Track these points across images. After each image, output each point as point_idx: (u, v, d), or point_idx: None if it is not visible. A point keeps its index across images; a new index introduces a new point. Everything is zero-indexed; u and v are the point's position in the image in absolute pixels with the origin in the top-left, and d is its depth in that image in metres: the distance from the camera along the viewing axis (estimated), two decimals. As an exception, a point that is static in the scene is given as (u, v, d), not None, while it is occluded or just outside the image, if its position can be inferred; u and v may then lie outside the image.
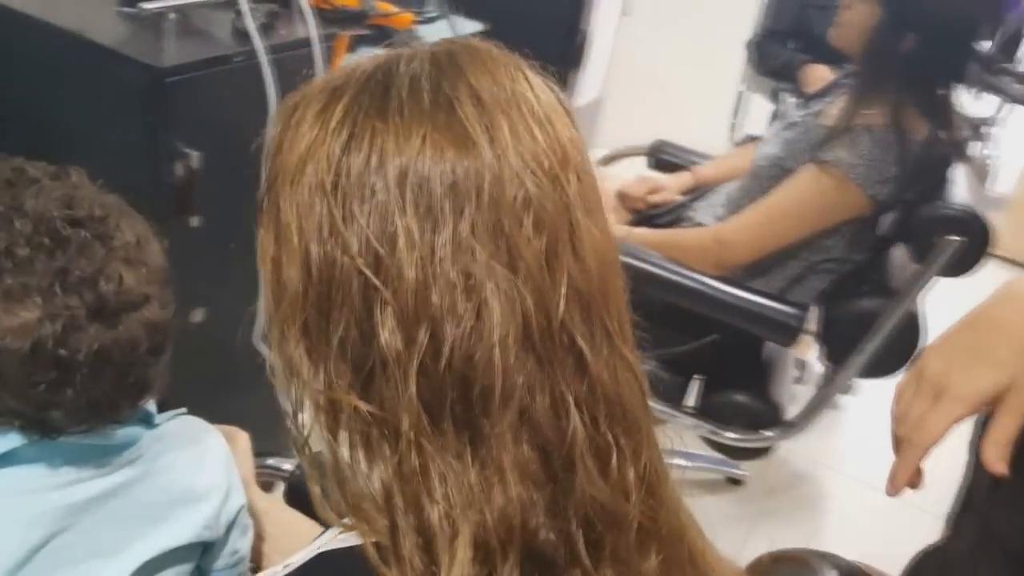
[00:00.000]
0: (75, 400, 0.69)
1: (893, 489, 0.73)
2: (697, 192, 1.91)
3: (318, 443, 0.56)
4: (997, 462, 0.68)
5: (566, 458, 0.52)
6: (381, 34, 1.76)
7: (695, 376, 1.82)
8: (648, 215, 1.87)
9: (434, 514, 0.51)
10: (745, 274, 1.66)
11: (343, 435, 0.53)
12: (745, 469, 2.19)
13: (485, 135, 0.51)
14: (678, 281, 1.60)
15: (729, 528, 2.05)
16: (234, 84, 1.37)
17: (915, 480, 0.74)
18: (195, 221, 1.37)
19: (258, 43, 1.35)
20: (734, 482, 2.19)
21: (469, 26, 2.09)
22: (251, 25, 1.34)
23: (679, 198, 1.90)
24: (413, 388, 0.50)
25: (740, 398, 1.72)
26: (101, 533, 0.74)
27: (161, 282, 0.74)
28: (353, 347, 0.51)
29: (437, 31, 1.98)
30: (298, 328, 0.53)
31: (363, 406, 0.51)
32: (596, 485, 0.53)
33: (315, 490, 0.55)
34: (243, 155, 1.36)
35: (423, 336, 0.50)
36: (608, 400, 0.54)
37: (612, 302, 0.55)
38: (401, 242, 0.50)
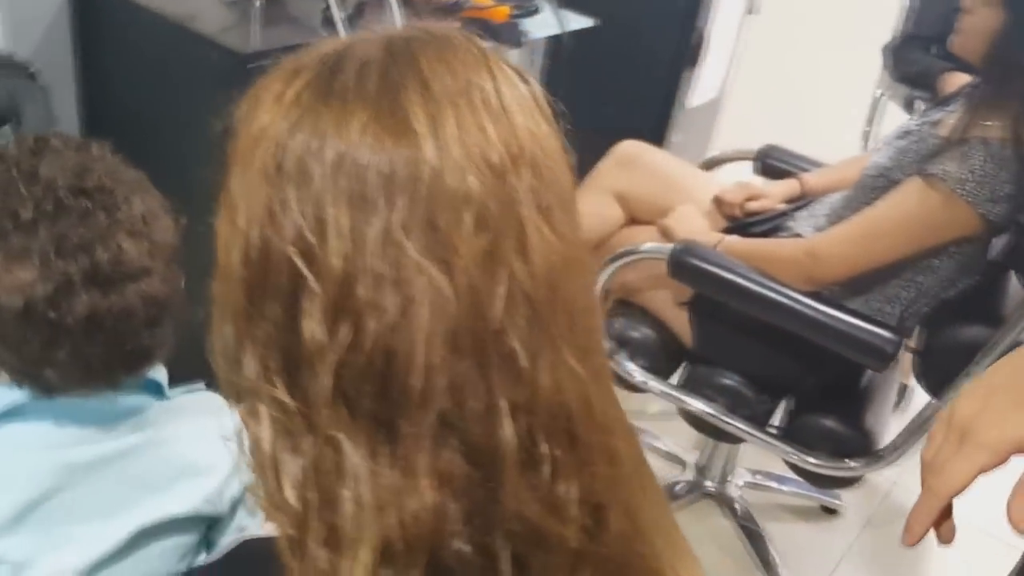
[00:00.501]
0: (68, 361, 0.72)
1: (909, 540, 0.66)
2: (801, 201, 1.80)
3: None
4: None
5: (494, 468, 0.50)
6: (480, 27, 1.75)
7: (786, 396, 1.73)
8: (745, 223, 1.78)
9: (344, 513, 0.49)
10: (842, 292, 1.56)
11: (268, 424, 0.52)
12: (842, 499, 2.06)
13: (428, 125, 0.49)
14: (764, 294, 1.52)
15: (818, 560, 1.94)
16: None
17: (945, 533, 0.66)
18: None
19: (342, 32, 1.37)
20: (829, 511, 2.07)
21: (578, 21, 2.06)
22: (336, 14, 1.37)
23: (781, 206, 1.81)
24: (330, 381, 0.49)
25: (828, 423, 1.62)
26: (100, 495, 0.77)
27: (166, 258, 0.76)
28: (282, 336, 0.50)
29: (541, 25, 1.96)
30: (235, 313, 0.53)
31: (284, 397, 0.50)
32: (523, 499, 0.50)
33: (247, 479, 0.54)
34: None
35: (345, 329, 0.48)
36: (550, 412, 0.51)
37: (562, 309, 0.52)
38: (331, 231, 0.48)
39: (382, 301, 0.48)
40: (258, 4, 1.35)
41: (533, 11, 1.78)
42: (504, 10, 1.70)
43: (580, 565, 0.53)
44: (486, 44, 0.57)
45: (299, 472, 0.51)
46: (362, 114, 0.49)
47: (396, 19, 1.43)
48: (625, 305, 1.82)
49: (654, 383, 1.70)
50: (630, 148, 1.87)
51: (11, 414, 0.75)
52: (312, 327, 0.49)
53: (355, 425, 0.49)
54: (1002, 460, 0.62)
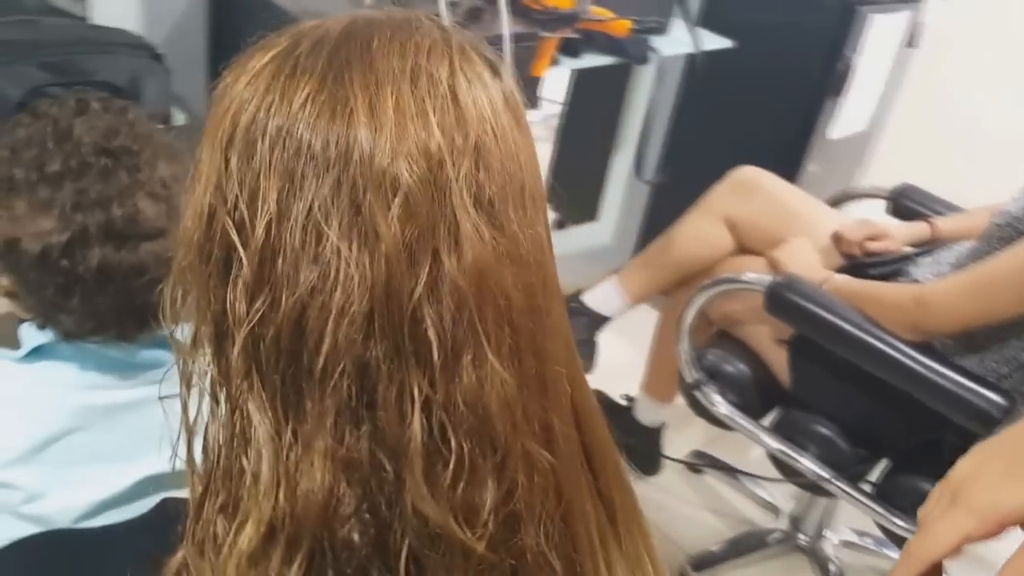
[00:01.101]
0: (80, 309, 0.77)
1: None
2: (927, 246, 1.67)
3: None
4: None
5: (399, 460, 0.49)
6: (604, 40, 1.73)
7: (885, 454, 1.60)
8: (862, 263, 1.67)
9: (244, 484, 0.50)
10: (955, 347, 1.43)
11: (195, 388, 0.54)
12: (951, 573, 1.89)
13: (365, 106, 0.49)
14: (862, 339, 1.41)
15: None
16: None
17: None
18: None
19: (448, 34, 1.40)
20: (935, 585, 1.90)
21: (714, 41, 2.01)
22: (443, 12, 1.40)
23: (905, 249, 1.68)
24: (244, 353, 0.49)
25: (926, 486, 1.49)
26: (112, 440, 0.81)
27: None
28: (214, 305, 0.52)
29: (673, 43, 1.92)
30: (182, 278, 0.54)
31: (207, 365, 0.52)
32: (424, 497, 0.49)
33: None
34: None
35: (262, 302, 0.49)
36: (468, 411, 0.49)
37: (492, 305, 0.50)
38: (260, 203, 0.49)
39: (297, 277, 0.48)
40: (368, 2, 1.39)
41: (655, 27, 1.74)
42: (625, 24, 1.67)
43: (482, 574, 0.51)
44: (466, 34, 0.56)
45: (214, 438, 0.52)
46: (306, 89, 0.49)
47: (504, 26, 1.44)
48: (726, 337, 1.75)
49: (740, 420, 1.62)
50: (748, 173, 1.80)
51: (41, 353, 0.82)
52: (235, 297, 0.49)
53: (265, 399, 0.50)
54: (991, 530, 0.55)
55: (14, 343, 0.83)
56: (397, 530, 0.49)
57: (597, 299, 1.87)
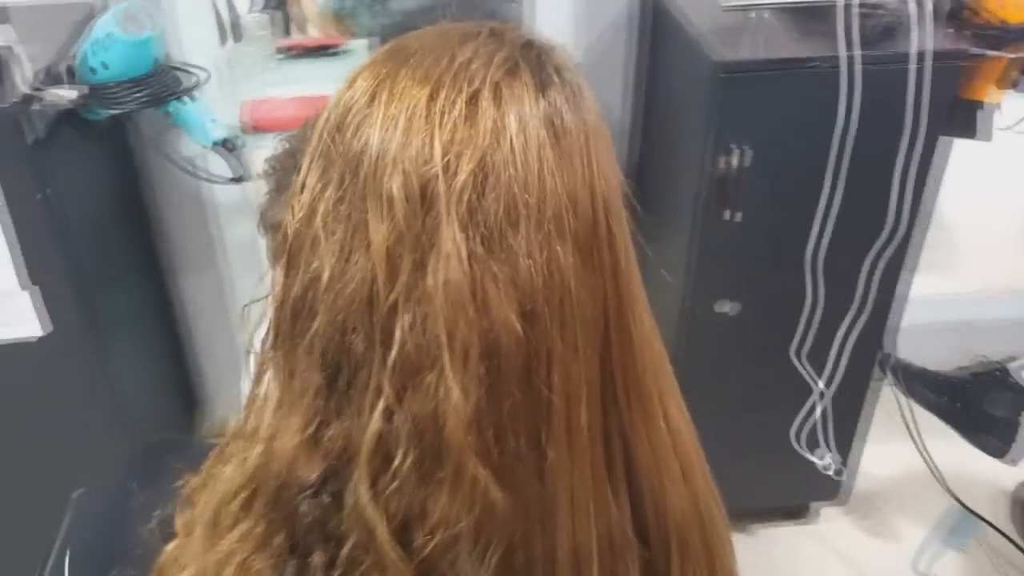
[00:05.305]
0: None
1: None
2: None
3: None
4: None
5: (356, 446, 0.52)
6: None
7: None
8: None
9: (252, 430, 0.58)
10: None
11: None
12: None
13: (382, 118, 0.51)
14: None
15: None
16: (805, 88, 1.32)
17: None
18: (732, 215, 1.38)
19: (842, 50, 1.27)
20: None
21: None
22: (840, 30, 1.27)
23: None
24: (271, 322, 0.57)
25: None
26: None
27: None
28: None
29: None
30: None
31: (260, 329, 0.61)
32: (364, 494, 0.50)
33: None
34: (796, 157, 1.34)
35: (287, 282, 0.56)
36: (425, 422, 0.50)
37: (463, 326, 0.50)
38: (301, 195, 0.55)
39: (308, 266, 0.54)
40: (752, 15, 1.32)
41: None
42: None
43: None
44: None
45: (250, 393, 0.61)
46: (354, 96, 0.53)
47: (912, 43, 1.25)
48: None
49: None
50: None
51: None
52: (276, 275, 0.58)
53: (279, 368, 0.57)
54: None
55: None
56: (344, 519, 0.51)
57: (1031, 373, 1.53)
